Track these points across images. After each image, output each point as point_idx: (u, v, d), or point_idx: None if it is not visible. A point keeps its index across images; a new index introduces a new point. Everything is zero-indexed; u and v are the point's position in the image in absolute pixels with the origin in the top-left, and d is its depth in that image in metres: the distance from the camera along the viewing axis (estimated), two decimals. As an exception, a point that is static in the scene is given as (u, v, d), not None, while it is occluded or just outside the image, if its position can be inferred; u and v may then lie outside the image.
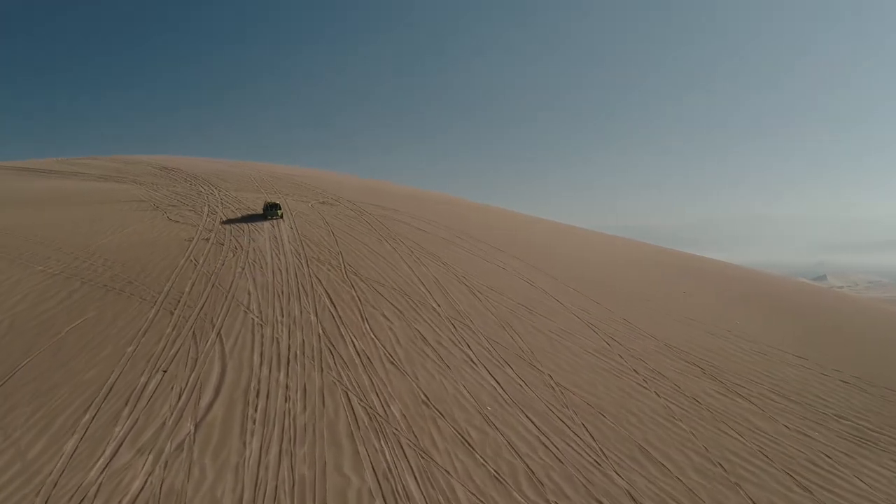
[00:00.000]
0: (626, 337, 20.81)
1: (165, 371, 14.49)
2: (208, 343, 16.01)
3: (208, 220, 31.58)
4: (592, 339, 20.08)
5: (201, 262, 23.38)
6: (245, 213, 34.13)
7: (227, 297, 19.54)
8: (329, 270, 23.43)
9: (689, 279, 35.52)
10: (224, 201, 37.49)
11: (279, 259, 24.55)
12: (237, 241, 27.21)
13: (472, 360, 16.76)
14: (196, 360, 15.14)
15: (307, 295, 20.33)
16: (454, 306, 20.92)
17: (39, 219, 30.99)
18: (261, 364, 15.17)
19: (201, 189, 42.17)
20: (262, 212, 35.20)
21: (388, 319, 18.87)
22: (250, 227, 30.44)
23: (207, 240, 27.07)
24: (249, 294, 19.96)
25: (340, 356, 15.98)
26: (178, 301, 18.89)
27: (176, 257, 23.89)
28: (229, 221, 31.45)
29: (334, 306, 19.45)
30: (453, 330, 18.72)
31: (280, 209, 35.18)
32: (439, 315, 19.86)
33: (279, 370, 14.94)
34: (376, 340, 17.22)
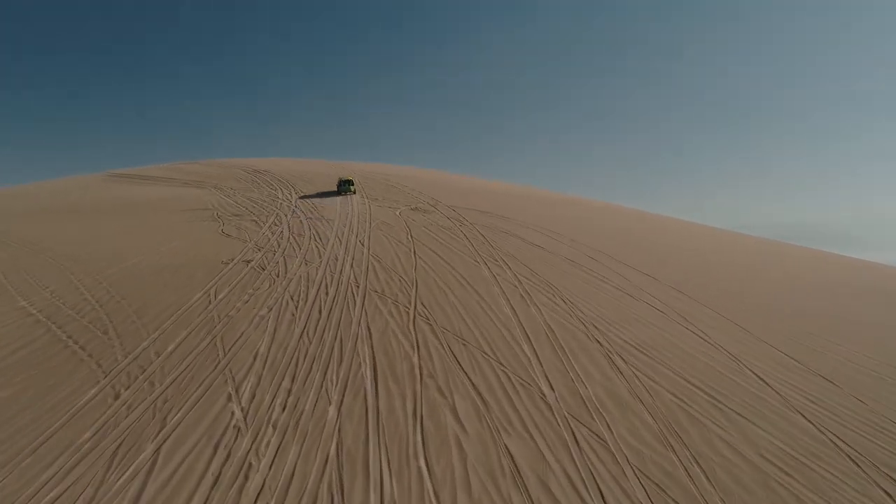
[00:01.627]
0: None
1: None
2: (128, 473, 9.01)
3: (266, 233, 25.86)
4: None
5: (220, 298, 17.05)
6: (315, 222, 28.07)
7: (217, 365, 12.66)
8: (390, 315, 15.84)
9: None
10: (297, 209, 31.93)
11: (326, 293, 17.53)
12: (285, 264, 20.82)
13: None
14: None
15: (341, 363, 12.83)
16: (577, 389, 12.17)
17: (79, 231, 27.38)
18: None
19: (279, 194, 37.27)
20: (336, 189, 40.94)
21: (460, 422, 10.68)
22: (312, 243, 24.10)
23: (249, 262, 21.00)
24: (254, 361, 12.92)
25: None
26: (142, 373, 12.33)
27: (193, 290, 17.86)
28: (290, 234, 25.44)
29: (376, 390, 11.71)
30: (576, 451, 10.01)
31: (353, 185, 41.17)
32: (550, 410, 11.26)
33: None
34: (427, 476, 9.11)
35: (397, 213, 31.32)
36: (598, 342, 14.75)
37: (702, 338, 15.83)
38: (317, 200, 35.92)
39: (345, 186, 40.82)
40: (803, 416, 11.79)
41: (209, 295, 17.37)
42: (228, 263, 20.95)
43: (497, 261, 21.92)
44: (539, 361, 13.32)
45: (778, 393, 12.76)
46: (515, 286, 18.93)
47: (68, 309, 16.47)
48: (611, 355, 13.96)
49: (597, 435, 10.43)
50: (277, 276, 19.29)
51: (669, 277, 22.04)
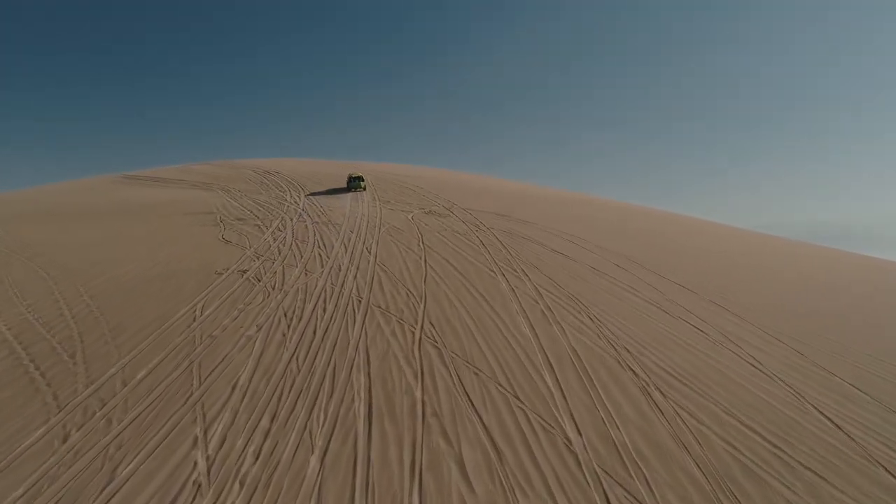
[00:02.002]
0: None
1: None
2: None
3: (268, 239, 24.34)
4: None
5: (206, 314, 15.48)
6: (321, 227, 26.51)
7: (189, 399, 11.03)
8: (393, 336, 14.08)
9: None
10: (305, 211, 30.43)
11: (324, 309, 15.85)
12: (283, 274, 19.22)
13: None
14: None
15: (331, 397, 11.09)
16: (609, 433, 10.23)
17: (77, 236, 26.24)
18: None
19: (287, 197, 35.85)
20: (346, 186, 41.27)
21: (467, 478, 8.84)
22: (315, 250, 22.51)
23: (245, 271, 19.44)
24: (231, 393, 11.26)
25: None
26: (102, 407, 10.76)
27: (180, 303, 16.34)
28: (293, 240, 23.89)
29: (369, 433, 9.93)
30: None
31: (363, 181, 41.46)
32: (576, 462, 9.35)
33: None
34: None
35: (409, 216, 29.58)
36: (632, 370, 12.77)
37: (752, 364, 13.73)
38: (325, 202, 34.43)
39: (355, 183, 41.01)
40: (887, 469, 9.70)
41: (195, 310, 15.82)
42: (223, 273, 19.40)
43: (516, 271, 20.01)
44: (563, 396, 11.41)
45: (852, 438, 10.65)
46: (536, 301, 17.01)
47: (40, 326, 15.04)
48: (647, 388, 11.98)
49: (634, 497, 8.50)
50: (273, 289, 17.67)
51: (706, 287, 19.89)
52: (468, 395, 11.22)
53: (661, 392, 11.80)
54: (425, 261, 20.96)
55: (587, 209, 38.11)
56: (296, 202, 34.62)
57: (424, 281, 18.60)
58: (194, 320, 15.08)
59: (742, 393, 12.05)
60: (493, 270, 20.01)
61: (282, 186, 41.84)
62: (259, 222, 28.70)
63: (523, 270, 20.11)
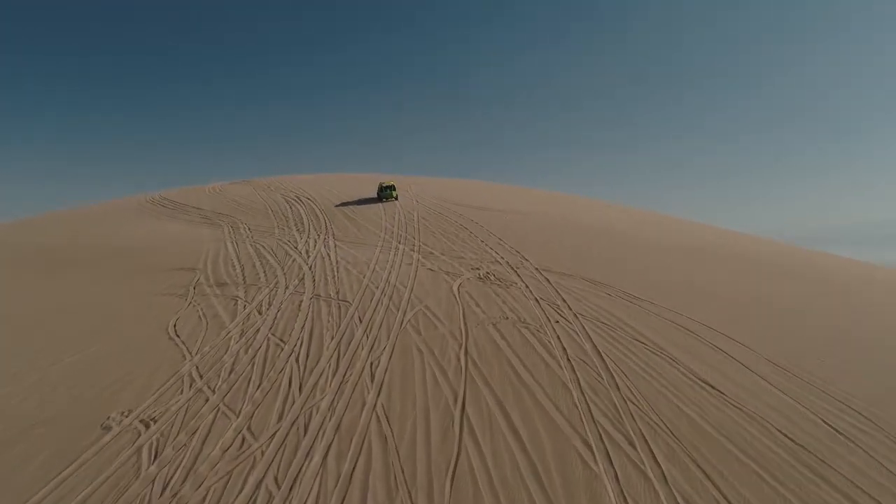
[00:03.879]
0: None
1: None
2: None
3: (233, 333, 16.55)
4: None
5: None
6: (322, 306, 18.48)
7: None
8: None
9: None
10: (312, 270, 22.61)
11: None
12: (208, 431, 11.05)
13: None
14: None
15: None
16: None
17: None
18: None
19: (301, 242, 28.15)
20: (377, 196, 40.96)
21: None
22: (289, 366, 14.43)
23: (149, 424, 11.48)
24: None
25: None
26: None
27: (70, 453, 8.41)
28: (268, 339, 15.96)
29: None
30: None
31: (395, 190, 41.22)
32: None
33: None
34: None
35: (455, 286, 20.84)
36: None
37: None
38: (347, 250, 26.46)
39: (386, 192, 41.20)
40: None
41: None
42: (111, 429, 11.46)
43: (628, 440, 10.73)
44: None
45: None
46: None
47: None
48: None
49: None
50: (168, 484, 9.44)
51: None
52: None
53: None
54: (463, 404, 12.12)
55: (739, 266, 27.82)
56: (307, 252, 26.81)
57: (454, 466, 9.76)
58: None
59: None
60: (585, 439, 10.84)
61: (303, 222, 34.47)
62: (242, 291, 21.03)
63: (644, 437, 10.82)
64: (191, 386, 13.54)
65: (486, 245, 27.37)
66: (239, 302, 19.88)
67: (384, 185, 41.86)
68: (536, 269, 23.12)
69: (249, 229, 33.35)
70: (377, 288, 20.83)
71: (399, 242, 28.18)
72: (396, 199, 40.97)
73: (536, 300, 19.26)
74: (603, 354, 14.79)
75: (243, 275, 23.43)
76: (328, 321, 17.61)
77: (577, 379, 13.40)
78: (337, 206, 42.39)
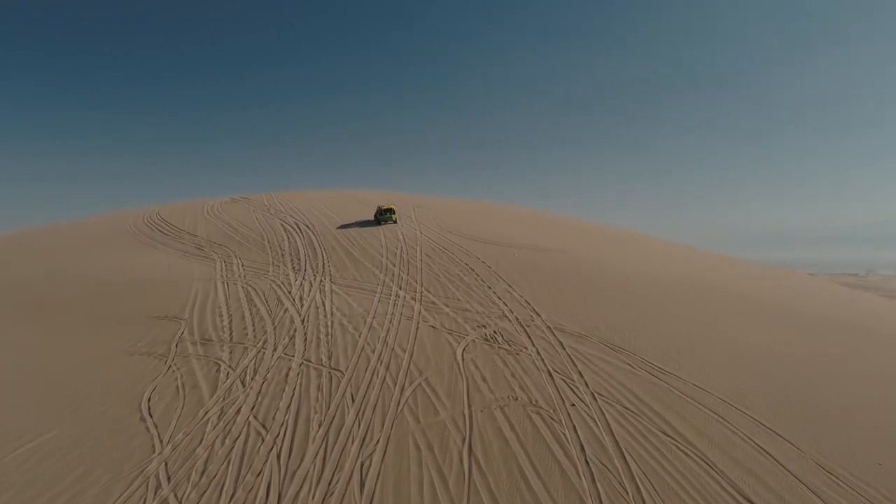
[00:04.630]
0: None
1: None
2: None
3: (210, 415, 15.22)
4: None
5: None
6: (311, 377, 17.03)
7: None
8: None
9: None
10: (304, 324, 21.20)
11: None
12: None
13: None
14: None
15: None
16: None
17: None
18: None
19: (295, 286, 26.70)
20: (375, 219, 41.28)
21: None
22: (270, 466, 12.88)
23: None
24: None
25: None
26: None
27: None
28: (248, 424, 14.56)
29: None
30: None
31: (394, 213, 41.42)
32: None
33: None
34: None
35: (460, 351, 19.25)
36: None
37: None
38: (345, 299, 24.96)
39: (385, 216, 41.78)
40: None
41: None
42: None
43: None
44: None
45: None
46: None
47: None
48: None
49: None
50: None
51: None
52: None
53: None
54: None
55: (804, 325, 26.06)
56: (301, 298, 25.30)
57: None
58: None
59: None
60: None
61: (300, 259, 32.99)
62: (227, 353, 19.56)
63: None
64: (156, 493, 12.00)
65: (494, 293, 25.78)
66: (222, 367, 18.38)
67: (383, 207, 42.41)
68: (549, 327, 21.51)
69: (243, 265, 31.92)
70: (373, 352, 19.28)
71: (399, 288, 26.64)
72: (395, 222, 41.58)
73: (549, 372, 17.65)
74: (625, 453, 13.16)
75: (230, 328, 21.94)
76: (317, 399, 16.06)
77: (598, 492, 11.77)
78: (338, 227, 41.18)
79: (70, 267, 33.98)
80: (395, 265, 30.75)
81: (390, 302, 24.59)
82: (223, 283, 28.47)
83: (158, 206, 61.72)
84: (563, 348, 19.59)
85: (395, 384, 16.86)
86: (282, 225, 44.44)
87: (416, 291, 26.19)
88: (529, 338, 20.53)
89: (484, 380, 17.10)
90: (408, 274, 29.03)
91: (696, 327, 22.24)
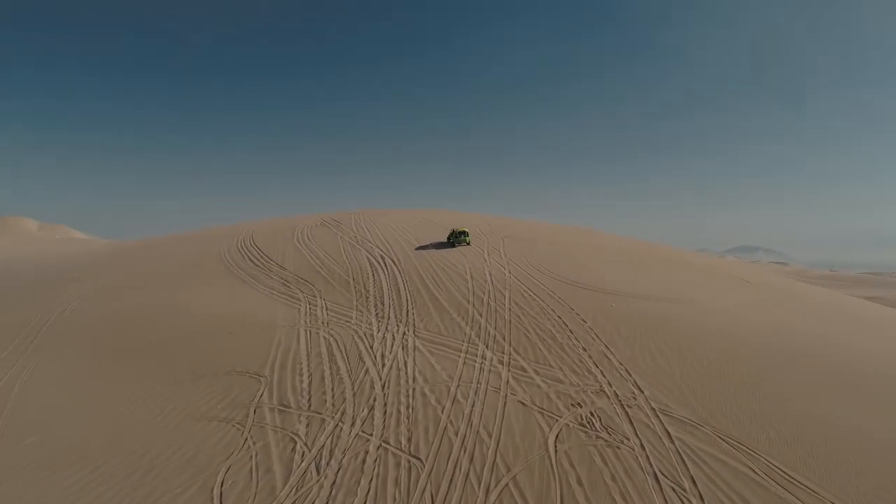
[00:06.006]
0: None
1: None
2: None
3: (297, 491, 14.46)
4: None
5: None
6: (388, 471, 16.08)
7: None
8: None
9: None
10: (393, 394, 20.57)
11: None
12: None
13: None
14: None
15: None
16: None
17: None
18: None
19: (377, 339, 26.08)
20: (448, 241, 44.32)
21: None
22: None
23: None
24: None
25: None
26: None
27: None
28: (344, 500, 13.72)
29: None
30: None
31: (468, 236, 44.50)
32: None
33: None
34: None
35: (552, 439, 17.59)
36: None
37: None
38: (426, 359, 24.00)
39: (459, 238, 44.40)
40: None
41: None
42: None
43: None
44: None
45: None
46: None
47: None
48: None
49: None
50: None
51: None
52: None
53: None
54: None
55: None
56: (383, 355, 24.59)
57: None
58: None
59: None
60: None
61: (383, 302, 32.49)
62: (304, 425, 19.14)
63: None
64: None
65: (590, 356, 23.82)
66: (298, 445, 17.85)
67: (456, 231, 45.36)
68: (653, 408, 19.34)
69: (326, 309, 31.90)
70: (456, 434, 18.07)
71: (486, 347, 25.29)
72: (469, 244, 44.69)
73: (655, 475, 15.60)
74: None
75: (309, 392, 21.57)
76: (394, 498, 15.03)
77: None
78: (416, 249, 41.04)
79: (158, 303, 35.49)
80: (481, 315, 29.48)
81: (476, 366, 23.31)
82: (306, 330, 28.45)
83: (252, 224, 64.41)
84: (671, 440, 17.41)
85: (480, 483, 15.52)
86: (367, 258, 44.52)
87: (504, 351, 24.76)
88: (631, 423, 18.50)
89: (580, 483, 15.38)
90: (494, 328, 27.64)
91: (851, 422, 19.16)
